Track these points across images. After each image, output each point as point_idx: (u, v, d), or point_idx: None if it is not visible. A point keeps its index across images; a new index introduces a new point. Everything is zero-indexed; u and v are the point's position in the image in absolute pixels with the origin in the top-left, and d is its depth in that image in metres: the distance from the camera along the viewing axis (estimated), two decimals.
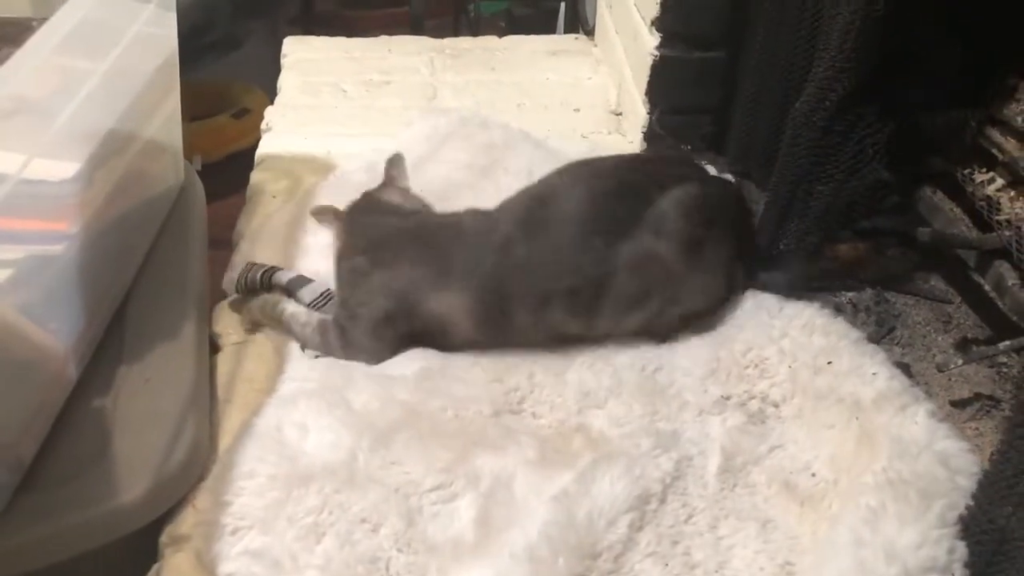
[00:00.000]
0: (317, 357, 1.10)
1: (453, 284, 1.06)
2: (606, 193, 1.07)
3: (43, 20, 0.98)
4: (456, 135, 1.47)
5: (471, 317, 1.07)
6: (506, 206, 1.11)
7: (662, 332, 1.11)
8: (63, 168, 0.92)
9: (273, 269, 1.17)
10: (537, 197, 1.10)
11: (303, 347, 1.11)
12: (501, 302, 1.05)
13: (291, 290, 1.15)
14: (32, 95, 0.88)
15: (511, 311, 1.06)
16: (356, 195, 1.20)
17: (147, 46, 1.09)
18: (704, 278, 1.09)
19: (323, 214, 1.16)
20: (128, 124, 1.05)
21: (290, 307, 1.13)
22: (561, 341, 1.09)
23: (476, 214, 1.12)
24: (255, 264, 1.18)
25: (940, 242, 1.15)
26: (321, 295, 1.14)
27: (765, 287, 1.14)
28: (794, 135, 1.13)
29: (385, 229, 1.11)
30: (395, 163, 1.22)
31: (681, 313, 1.10)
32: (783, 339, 1.06)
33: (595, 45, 1.91)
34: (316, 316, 1.11)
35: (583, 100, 1.71)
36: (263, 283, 1.15)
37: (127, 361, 1.00)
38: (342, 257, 1.12)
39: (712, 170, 1.30)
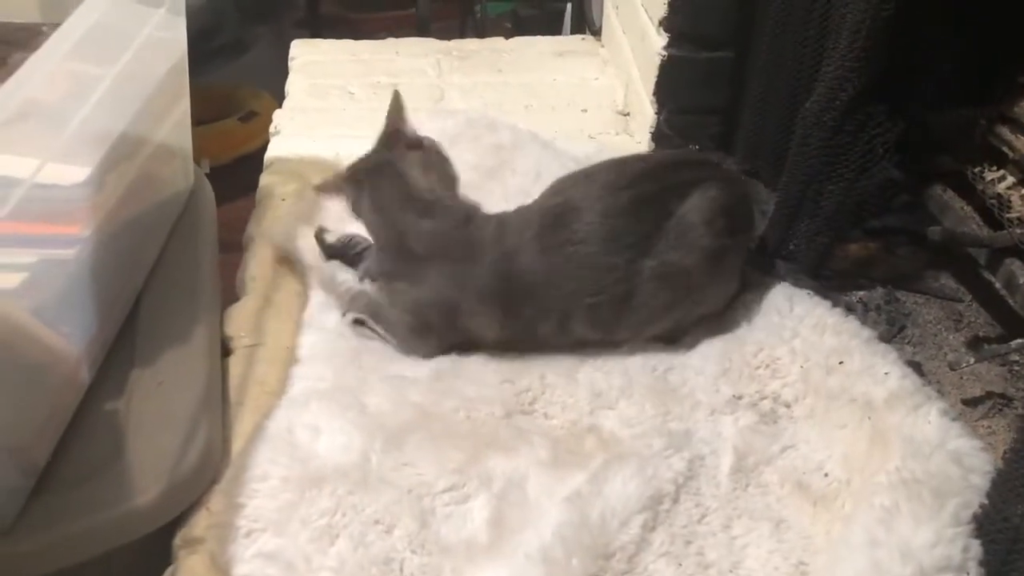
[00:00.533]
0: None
1: (479, 301, 1.06)
2: (625, 207, 1.04)
3: (54, 25, 0.99)
4: (464, 136, 1.47)
5: (495, 330, 1.08)
6: (525, 221, 1.08)
7: (679, 335, 1.11)
8: (75, 172, 0.93)
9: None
10: (555, 213, 1.06)
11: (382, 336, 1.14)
12: (526, 319, 1.06)
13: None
14: (45, 99, 0.89)
15: (535, 326, 1.06)
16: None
17: (157, 50, 1.09)
18: (725, 281, 1.10)
19: (328, 187, 1.12)
20: (139, 128, 1.06)
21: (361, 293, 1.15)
22: (580, 347, 1.09)
23: (499, 230, 1.08)
24: (356, 235, 1.20)
25: (950, 240, 1.15)
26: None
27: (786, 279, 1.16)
28: (804, 135, 1.13)
29: (415, 236, 1.07)
30: (397, 106, 1.12)
31: (701, 314, 1.11)
32: (794, 339, 1.06)
33: (602, 46, 1.91)
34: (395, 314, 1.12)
35: (590, 101, 1.71)
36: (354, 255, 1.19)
37: (139, 364, 1.00)
38: (382, 273, 1.11)
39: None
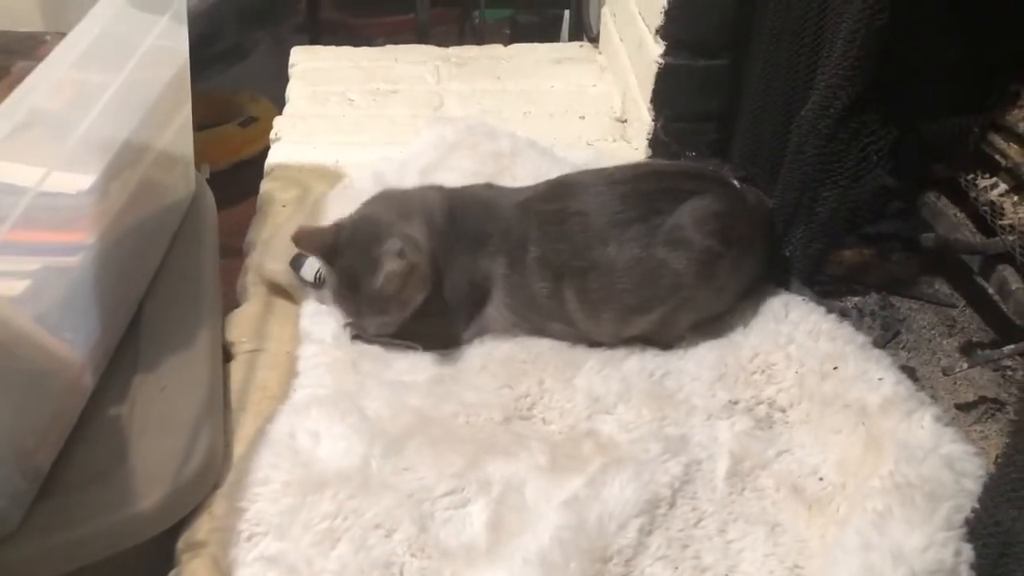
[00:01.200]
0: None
1: (491, 250, 1.12)
2: (620, 192, 1.11)
3: (57, 34, 0.99)
4: (463, 144, 1.48)
5: (501, 286, 1.12)
6: (532, 189, 1.19)
7: (667, 340, 1.12)
8: (79, 180, 0.94)
9: None
10: (557, 184, 1.17)
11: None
12: (526, 274, 1.11)
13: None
14: (50, 108, 0.89)
15: (532, 283, 1.11)
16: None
17: (160, 58, 1.10)
18: (717, 290, 1.11)
19: (305, 240, 1.11)
20: (142, 135, 1.06)
21: None
22: (578, 347, 1.12)
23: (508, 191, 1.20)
24: None
25: (944, 247, 1.16)
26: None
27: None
28: (800, 142, 1.14)
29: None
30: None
31: (692, 320, 1.12)
32: (790, 344, 1.07)
33: (599, 52, 1.92)
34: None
35: (588, 108, 1.72)
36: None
37: (142, 370, 1.01)
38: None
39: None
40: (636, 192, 1.11)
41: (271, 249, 1.25)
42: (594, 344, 1.12)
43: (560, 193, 1.15)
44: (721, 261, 1.08)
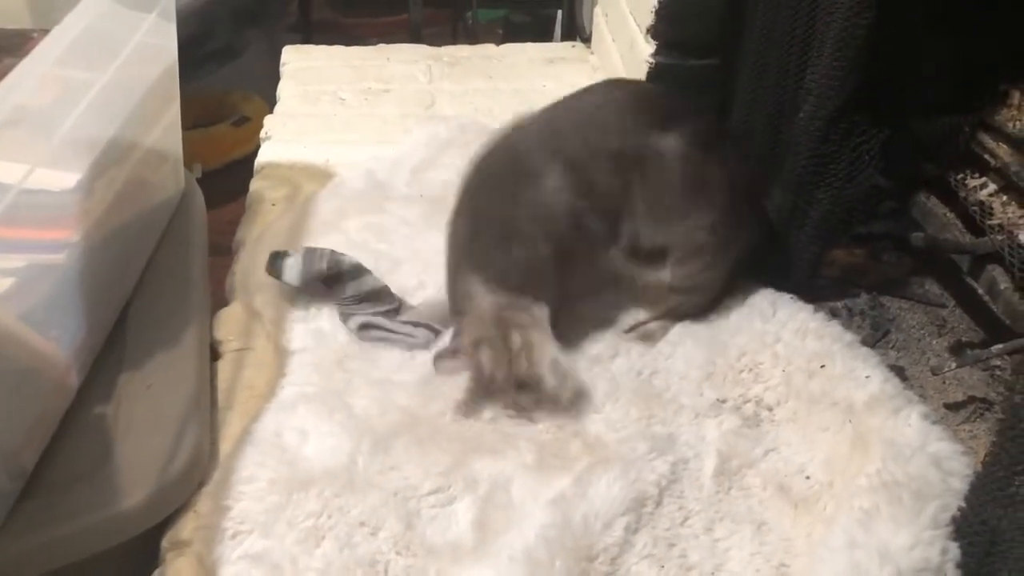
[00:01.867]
0: None
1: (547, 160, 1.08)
2: (633, 93, 1.16)
3: (43, 31, 0.99)
4: (455, 142, 1.48)
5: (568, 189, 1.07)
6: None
7: (663, 321, 1.12)
8: (65, 178, 0.94)
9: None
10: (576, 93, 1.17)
11: None
12: (584, 173, 1.07)
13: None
14: (34, 105, 0.89)
15: (590, 179, 1.07)
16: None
17: (148, 56, 1.10)
18: (703, 253, 1.10)
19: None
20: (129, 133, 1.06)
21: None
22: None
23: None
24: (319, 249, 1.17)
25: (933, 247, 1.17)
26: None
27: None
28: (795, 144, 1.14)
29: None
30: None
31: (672, 286, 1.11)
32: (777, 343, 1.07)
33: (592, 52, 1.92)
34: None
35: None
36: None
37: (129, 368, 1.01)
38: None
39: None
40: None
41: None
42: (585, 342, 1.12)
43: (580, 93, 1.16)
44: (710, 220, 1.08)
